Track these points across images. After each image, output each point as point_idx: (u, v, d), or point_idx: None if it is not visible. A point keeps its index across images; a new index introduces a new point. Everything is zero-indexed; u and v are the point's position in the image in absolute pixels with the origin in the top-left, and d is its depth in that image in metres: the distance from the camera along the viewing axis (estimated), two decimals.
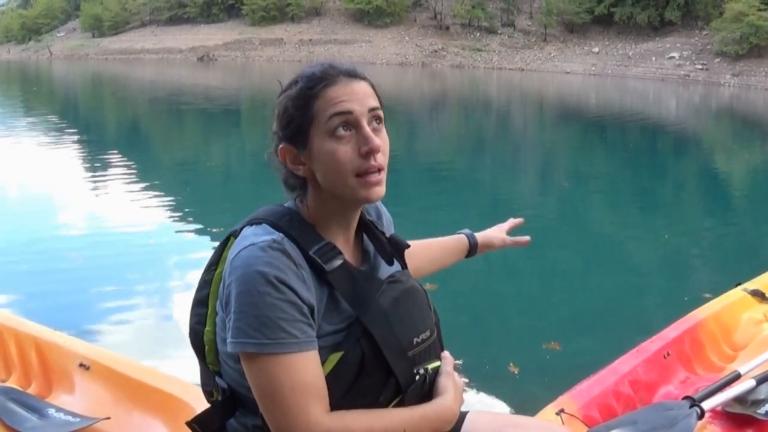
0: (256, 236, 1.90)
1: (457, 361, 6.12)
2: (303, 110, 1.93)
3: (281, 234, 1.90)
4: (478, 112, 33.54)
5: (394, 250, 2.19)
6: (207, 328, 2.04)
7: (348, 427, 1.84)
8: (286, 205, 2.05)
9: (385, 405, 1.96)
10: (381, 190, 1.95)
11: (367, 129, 1.91)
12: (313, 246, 1.92)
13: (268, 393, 1.82)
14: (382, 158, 1.94)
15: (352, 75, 1.95)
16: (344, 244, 2.05)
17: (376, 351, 1.91)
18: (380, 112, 1.97)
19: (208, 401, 2.14)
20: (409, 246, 2.26)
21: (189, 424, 2.09)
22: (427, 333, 2.07)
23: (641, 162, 20.52)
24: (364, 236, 2.18)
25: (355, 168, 1.91)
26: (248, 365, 1.84)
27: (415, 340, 2.01)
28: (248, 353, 1.82)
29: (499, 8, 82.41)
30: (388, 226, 2.35)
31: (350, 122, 1.91)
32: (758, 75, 55.87)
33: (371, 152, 1.91)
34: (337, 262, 1.93)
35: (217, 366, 2.05)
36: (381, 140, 1.94)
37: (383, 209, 2.39)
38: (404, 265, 2.22)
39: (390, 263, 2.17)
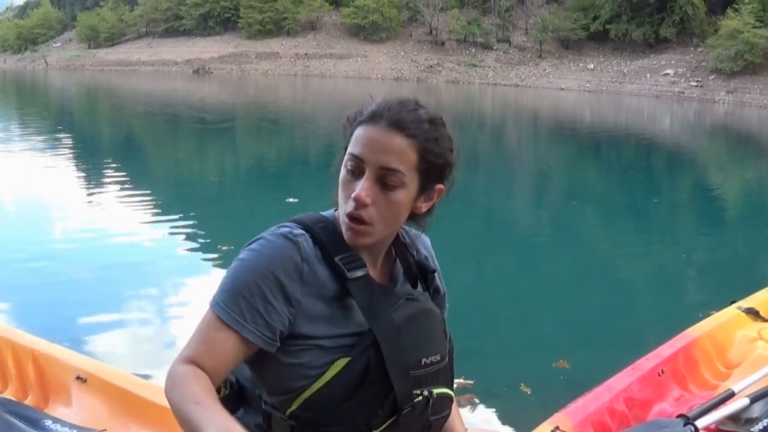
0: (278, 228, 1.99)
1: (468, 381, 6.18)
2: (348, 135, 1.99)
3: (303, 231, 1.97)
4: (472, 128, 33.55)
5: (420, 272, 2.19)
6: None
7: (181, 386, 1.82)
8: (325, 213, 2.09)
9: (384, 420, 1.96)
10: (357, 239, 1.96)
11: (366, 181, 1.92)
12: (339, 254, 1.97)
13: (194, 333, 1.93)
14: (370, 213, 1.93)
15: (394, 126, 1.93)
16: (370, 262, 2.07)
17: (381, 362, 1.93)
18: (397, 176, 1.93)
19: None
20: (435, 270, 2.25)
21: None
22: (438, 357, 2.07)
23: (635, 179, 20.54)
24: (397, 260, 2.18)
25: (345, 206, 1.96)
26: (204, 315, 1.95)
27: (423, 360, 2.02)
28: (209, 307, 1.93)
29: (495, 24, 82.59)
30: (432, 262, 2.33)
31: (359, 167, 1.94)
32: (753, 92, 56.06)
33: (354, 200, 1.92)
34: (360, 273, 1.97)
35: None
36: (379, 199, 1.93)
37: (427, 244, 2.33)
38: (426, 289, 2.21)
39: (414, 286, 2.17)
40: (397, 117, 1.94)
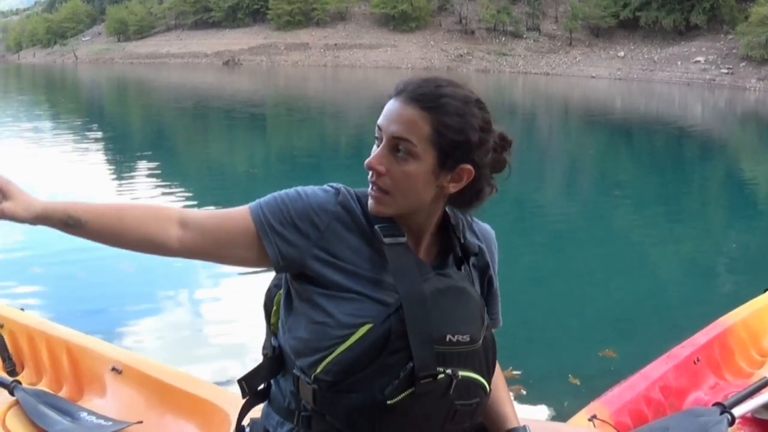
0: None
1: (516, 372, 6.17)
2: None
3: (352, 193, 2.08)
4: (505, 117, 33.40)
5: (463, 254, 2.16)
6: (282, 290, 2.17)
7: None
8: None
9: (401, 390, 1.93)
10: (377, 207, 2.01)
11: (381, 148, 1.98)
12: (381, 222, 2.02)
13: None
14: (385, 182, 1.97)
15: (411, 98, 1.98)
16: (413, 241, 2.08)
17: (403, 331, 1.93)
18: (407, 145, 1.95)
19: None
20: (477, 253, 2.21)
21: (239, 381, 2.18)
22: (466, 337, 2.00)
23: (667, 167, 20.47)
24: (445, 244, 2.18)
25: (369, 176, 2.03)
26: None
27: (449, 336, 1.97)
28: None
29: (525, 12, 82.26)
30: (489, 254, 2.30)
31: (380, 136, 1.99)
32: None
33: (366, 166, 1.99)
34: (399, 240, 2.01)
35: (276, 329, 2.19)
36: (393, 168, 1.97)
37: (488, 238, 2.31)
38: (470, 272, 2.18)
39: (458, 267, 2.15)
40: (416, 90, 1.98)
